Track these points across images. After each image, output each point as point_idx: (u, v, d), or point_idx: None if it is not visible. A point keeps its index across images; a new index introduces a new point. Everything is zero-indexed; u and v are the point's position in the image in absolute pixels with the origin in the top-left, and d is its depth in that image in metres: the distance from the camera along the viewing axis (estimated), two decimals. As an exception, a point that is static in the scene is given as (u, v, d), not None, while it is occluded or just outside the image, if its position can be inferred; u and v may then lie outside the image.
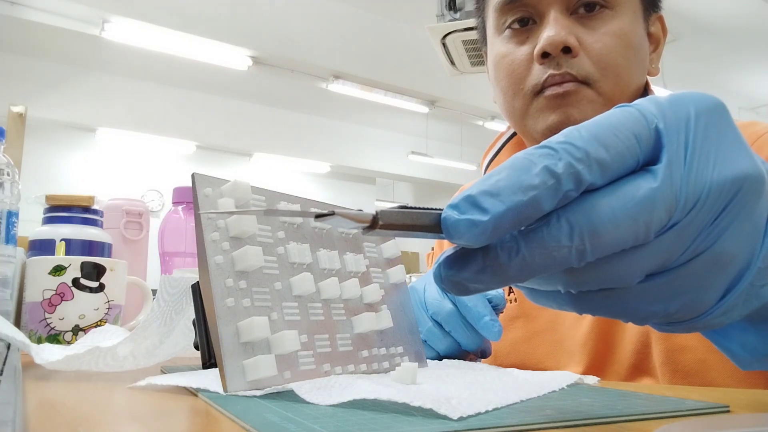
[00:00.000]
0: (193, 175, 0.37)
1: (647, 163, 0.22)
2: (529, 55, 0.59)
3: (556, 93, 0.57)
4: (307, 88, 5.45)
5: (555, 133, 0.54)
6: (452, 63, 2.30)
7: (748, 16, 4.74)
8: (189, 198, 0.86)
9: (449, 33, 2.12)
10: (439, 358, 0.55)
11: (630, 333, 0.57)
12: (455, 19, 2.09)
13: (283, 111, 6.67)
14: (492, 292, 0.50)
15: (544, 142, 0.21)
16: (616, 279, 0.22)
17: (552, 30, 0.56)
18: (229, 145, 6.53)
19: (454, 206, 0.21)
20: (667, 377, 0.55)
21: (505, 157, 0.72)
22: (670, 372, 0.54)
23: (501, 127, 5.97)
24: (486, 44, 0.67)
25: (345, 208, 0.21)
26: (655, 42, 0.65)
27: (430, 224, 0.21)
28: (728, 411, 0.31)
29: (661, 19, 0.65)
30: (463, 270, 0.22)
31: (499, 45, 0.63)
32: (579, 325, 0.60)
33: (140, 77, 5.73)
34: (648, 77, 0.64)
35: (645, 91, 0.64)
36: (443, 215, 0.21)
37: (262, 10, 4.31)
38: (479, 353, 0.52)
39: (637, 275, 0.22)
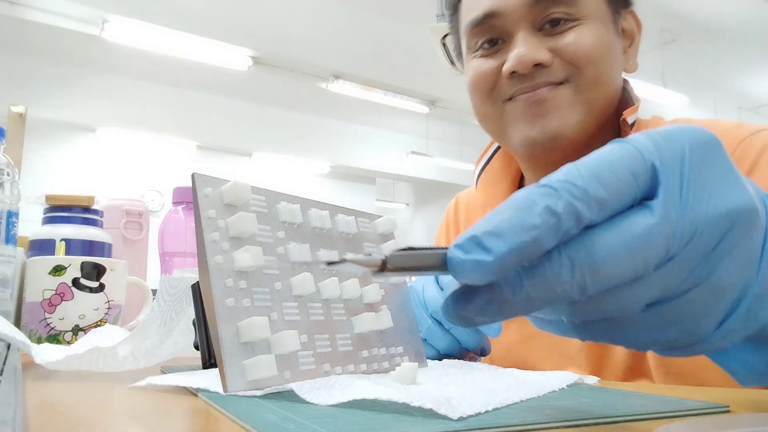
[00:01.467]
0: (193, 175, 0.37)
1: (644, 198, 0.22)
2: (498, 69, 0.60)
3: (530, 101, 0.57)
4: (307, 88, 5.46)
5: (533, 146, 0.54)
6: (452, 63, 2.30)
7: (748, 16, 4.74)
8: (189, 198, 0.86)
9: (449, 33, 2.12)
10: (439, 357, 0.55)
11: None
12: (455, 19, 2.09)
13: (283, 111, 6.67)
14: None
15: (543, 181, 0.22)
16: (617, 310, 0.23)
17: (522, 49, 0.57)
18: (229, 145, 6.54)
19: (459, 246, 0.21)
20: (662, 378, 0.55)
21: (496, 164, 0.73)
22: (663, 374, 0.55)
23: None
24: (463, 63, 0.69)
25: (355, 255, 0.23)
26: (630, 37, 0.65)
27: (437, 264, 0.22)
28: (728, 411, 0.31)
29: (632, 14, 0.65)
30: (469, 305, 0.22)
31: (472, 64, 0.64)
32: None
33: (140, 77, 5.73)
34: (626, 75, 0.65)
35: (624, 90, 0.64)
36: (449, 255, 0.21)
37: (262, 10, 4.31)
38: (479, 351, 0.52)
39: (637, 306, 0.23)
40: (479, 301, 0.22)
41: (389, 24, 4.69)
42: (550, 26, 0.58)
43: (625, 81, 0.65)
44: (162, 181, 5.96)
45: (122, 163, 6.09)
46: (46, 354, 0.42)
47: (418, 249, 0.22)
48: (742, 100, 6.51)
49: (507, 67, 0.58)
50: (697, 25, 4.88)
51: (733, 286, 0.23)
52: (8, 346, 0.50)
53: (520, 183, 0.72)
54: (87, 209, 0.87)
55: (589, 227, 0.21)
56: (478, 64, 0.62)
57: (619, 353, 0.58)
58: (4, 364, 0.43)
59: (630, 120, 0.60)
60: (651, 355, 0.55)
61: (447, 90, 5.24)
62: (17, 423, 0.23)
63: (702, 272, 0.22)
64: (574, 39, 0.57)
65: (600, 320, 0.23)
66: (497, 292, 0.22)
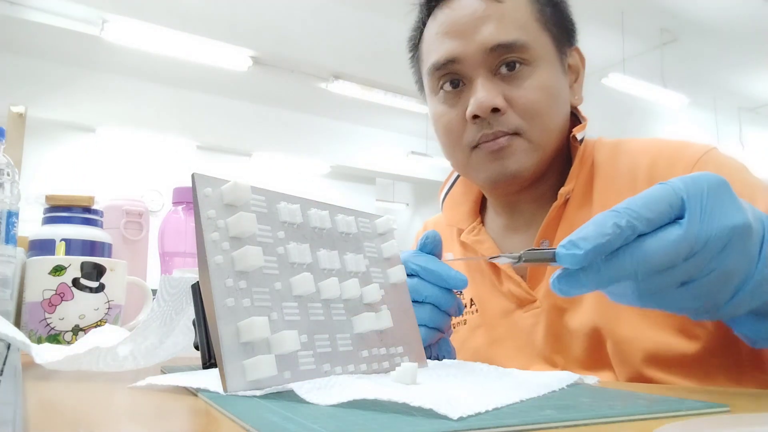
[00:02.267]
0: (193, 175, 0.37)
1: (677, 218, 0.35)
2: (463, 116, 0.66)
3: (491, 149, 0.65)
4: (307, 88, 5.45)
5: (496, 181, 0.67)
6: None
7: (748, 16, 4.74)
8: (189, 198, 0.86)
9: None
10: (438, 358, 0.56)
11: (578, 335, 0.63)
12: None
13: (283, 111, 6.67)
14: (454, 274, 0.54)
15: (614, 207, 0.34)
16: (661, 286, 0.35)
17: (480, 94, 0.63)
18: (229, 145, 6.53)
19: (562, 246, 0.34)
20: (619, 368, 0.60)
21: (458, 189, 0.80)
22: (620, 362, 0.60)
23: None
24: (424, 94, 0.75)
25: (505, 255, 0.39)
26: (575, 72, 0.72)
27: (550, 257, 0.36)
28: (728, 411, 0.31)
29: (577, 51, 0.72)
30: (569, 280, 0.35)
31: (436, 104, 0.70)
32: (536, 331, 0.67)
33: (140, 77, 5.73)
34: (576, 107, 0.72)
35: (573, 120, 0.71)
36: (557, 251, 0.34)
37: (262, 10, 4.31)
38: (455, 311, 0.56)
39: (673, 284, 0.35)
40: (575, 279, 0.34)
41: (389, 24, 4.68)
42: (506, 70, 0.64)
43: (576, 111, 0.72)
44: (162, 181, 5.95)
45: (122, 163, 6.08)
46: (46, 354, 0.42)
47: (537, 250, 0.37)
48: (742, 100, 6.51)
49: (469, 111, 0.64)
50: (697, 25, 4.88)
51: (737, 273, 0.35)
52: (8, 346, 0.50)
53: (482, 203, 0.79)
54: (87, 209, 0.87)
55: (641, 235, 0.34)
56: (444, 111, 0.68)
57: (577, 350, 0.64)
58: (4, 364, 0.43)
59: (579, 137, 0.67)
60: (609, 346, 0.61)
61: (447, 90, 5.23)
62: (17, 423, 0.23)
63: (715, 264, 0.35)
64: (524, 93, 0.64)
65: (652, 293, 0.35)
66: (585, 273, 0.34)
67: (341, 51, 4.75)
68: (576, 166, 0.67)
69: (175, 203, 0.88)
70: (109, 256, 0.88)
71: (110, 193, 1.05)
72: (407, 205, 9.60)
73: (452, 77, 0.67)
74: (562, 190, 0.66)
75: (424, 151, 6.84)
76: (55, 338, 0.64)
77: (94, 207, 0.88)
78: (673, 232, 0.33)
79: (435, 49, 0.67)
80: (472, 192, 0.79)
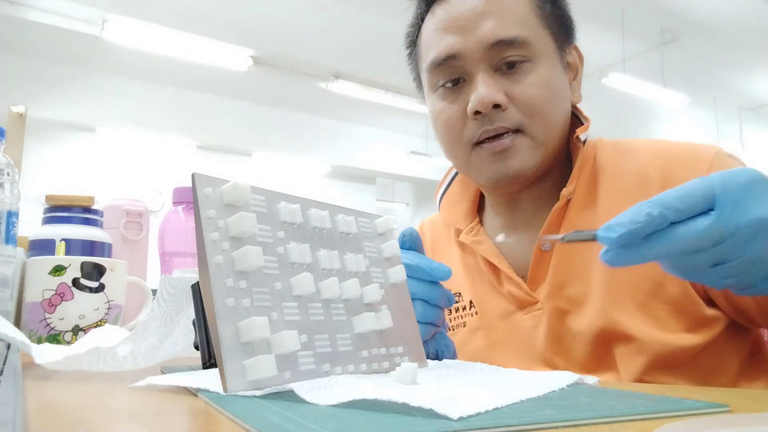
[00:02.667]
0: (193, 175, 0.37)
1: (710, 209, 0.38)
2: (463, 112, 0.65)
3: (495, 150, 0.64)
4: (307, 88, 5.46)
5: (497, 183, 0.68)
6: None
7: (748, 16, 4.74)
8: (189, 198, 0.86)
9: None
10: (437, 353, 0.56)
11: (581, 337, 0.62)
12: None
13: (283, 111, 6.67)
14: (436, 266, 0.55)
15: (650, 199, 0.38)
16: (695, 266, 0.40)
17: (482, 90, 0.62)
18: (229, 145, 6.53)
19: (602, 229, 0.39)
20: (625, 369, 0.60)
21: (455, 188, 0.79)
22: (626, 364, 0.60)
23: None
24: (422, 91, 0.74)
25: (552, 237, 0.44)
26: (574, 70, 0.71)
27: (590, 238, 0.40)
28: (728, 411, 0.31)
29: (575, 49, 0.71)
30: (612, 256, 0.39)
31: (435, 101, 0.69)
32: (536, 333, 0.66)
33: (140, 77, 5.73)
34: (575, 105, 0.71)
35: (573, 121, 0.70)
36: (597, 233, 0.39)
37: (262, 10, 4.31)
38: (445, 302, 0.56)
39: (706, 265, 0.40)
40: (618, 254, 0.39)
41: (389, 24, 4.68)
42: (506, 67, 0.64)
43: (577, 109, 0.71)
44: (162, 181, 5.95)
45: (122, 163, 6.08)
46: (46, 354, 0.42)
47: (580, 232, 0.41)
48: (742, 100, 6.51)
49: (471, 107, 0.63)
50: (697, 25, 4.88)
51: (764, 260, 0.39)
52: (8, 346, 0.50)
53: (480, 203, 0.78)
54: (87, 209, 0.87)
55: (674, 223, 0.38)
56: (444, 108, 0.67)
57: (579, 352, 0.63)
58: (4, 364, 0.43)
59: (582, 137, 0.67)
60: (618, 351, 0.61)
61: (447, 90, 5.24)
62: (17, 423, 0.23)
63: (744, 251, 0.39)
64: (525, 89, 0.63)
65: (688, 270, 0.41)
66: (626, 251, 0.39)
67: (341, 51, 4.75)
68: (578, 166, 0.66)
69: (175, 203, 0.88)
70: (109, 256, 0.88)
71: (110, 193, 1.05)
72: (407, 205, 9.60)
73: (452, 73, 0.66)
74: (564, 191, 0.65)
75: (424, 151, 6.85)
76: (55, 338, 0.64)
77: (94, 207, 0.88)
78: (703, 222, 0.38)
79: (434, 46, 0.66)
80: (469, 191, 0.78)
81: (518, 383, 0.37)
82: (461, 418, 0.26)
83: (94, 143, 5.96)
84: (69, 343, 0.64)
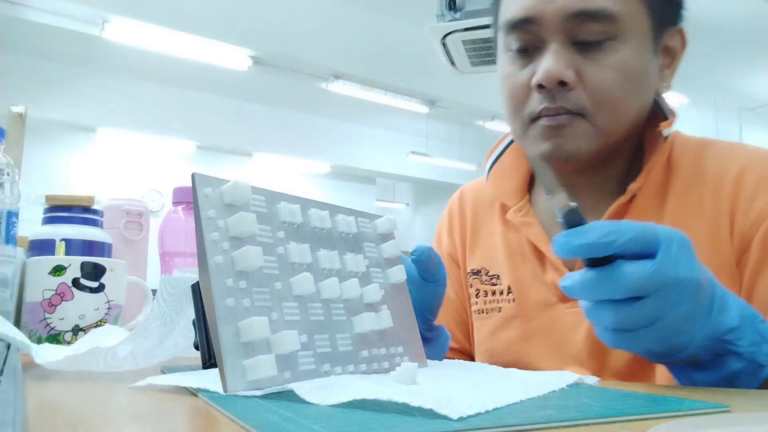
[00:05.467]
0: (193, 175, 0.37)
1: (652, 255, 0.39)
2: (529, 82, 0.60)
3: (549, 125, 0.59)
4: (307, 88, 5.45)
5: (549, 160, 0.60)
6: (452, 63, 2.30)
7: (748, 16, 4.74)
8: (189, 198, 0.86)
9: (449, 33, 2.12)
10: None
11: None
12: (455, 19, 2.09)
13: (283, 111, 6.66)
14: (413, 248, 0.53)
15: (609, 225, 0.39)
16: (633, 321, 0.40)
17: (549, 63, 0.57)
18: (229, 145, 6.53)
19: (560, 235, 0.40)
20: (665, 379, 0.56)
21: (508, 160, 0.73)
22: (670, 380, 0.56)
23: (500, 127, 5.96)
24: (497, 50, 0.69)
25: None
26: (671, 56, 0.64)
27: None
28: (728, 411, 0.31)
29: (680, 32, 0.64)
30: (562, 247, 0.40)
31: (504, 63, 0.64)
32: (576, 330, 0.62)
33: (140, 77, 5.73)
34: (661, 95, 0.64)
35: (655, 110, 0.64)
36: (554, 239, 0.40)
37: (262, 10, 4.30)
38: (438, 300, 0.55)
39: (641, 322, 0.40)
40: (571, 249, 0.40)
41: (389, 24, 4.69)
42: (585, 40, 0.57)
43: (660, 100, 0.65)
44: (162, 181, 5.96)
45: (122, 163, 6.08)
46: (46, 354, 0.42)
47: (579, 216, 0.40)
48: (742, 100, 6.50)
49: (535, 80, 0.58)
50: (696, 25, 4.88)
51: (693, 319, 0.41)
52: (8, 346, 0.50)
53: (531, 179, 0.72)
54: (87, 209, 0.87)
55: (621, 257, 0.39)
56: (511, 73, 0.62)
57: (621, 356, 0.59)
58: (4, 364, 0.43)
59: (665, 133, 0.61)
60: (662, 367, 0.56)
61: (447, 90, 5.23)
62: (17, 423, 0.23)
63: (677, 307, 0.40)
64: (599, 71, 0.57)
65: (625, 331, 0.41)
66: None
67: (341, 51, 4.74)
68: (652, 161, 0.61)
69: (175, 203, 0.88)
70: (109, 256, 0.88)
71: (110, 193, 1.05)
72: (407, 205, 9.59)
73: (526, 38, 0.60)
74: (632, 186, 0.60)
75: (424, 151, 6.84)
76: (55, 338, 0.64)
77: (94, 207, 0.88)
78: (646, 263, 0.39)
79: (513, 4, 0.61)
80: (523, 164, 0.72)
81: (518, 383, 0.37)
82: (461, 418, 0.26)
83: (94, 143, 5.96)
84: (69, 343, 0.64)
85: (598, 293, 0.40)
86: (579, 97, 0.58)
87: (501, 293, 0.69)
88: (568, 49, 0.58)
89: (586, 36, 0.57)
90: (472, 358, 0.75)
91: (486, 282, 0.71)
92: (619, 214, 0.61)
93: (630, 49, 0.58)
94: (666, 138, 0.62)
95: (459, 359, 0.75)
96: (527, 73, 0.60)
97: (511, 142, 0.74)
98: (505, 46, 0.63)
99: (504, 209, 0.71)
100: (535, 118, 0.60)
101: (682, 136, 0.65)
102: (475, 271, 0.73)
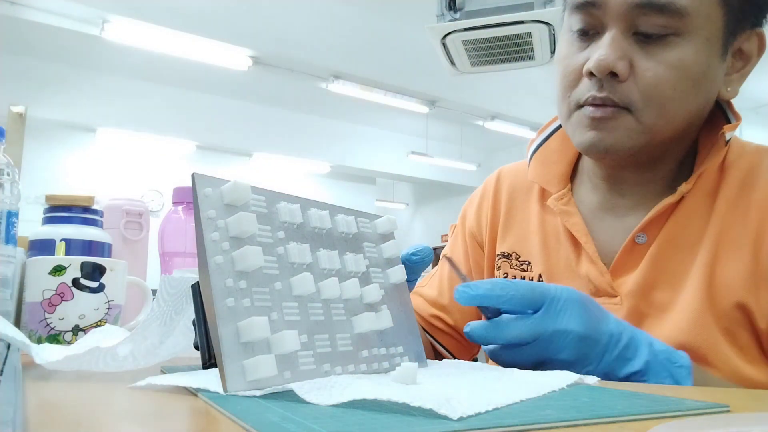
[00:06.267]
0: (193, 175, 0.37)
1: (536, 311, 0.48)
2: (581, 66, 0.59)
3: (593, 115, 0.57)
4: (307, 88, 5.45)
5: (588, 150, 0.63)
6: (452, 63, 2.30)
7: (748, 16, 4.73)
8: (189, 198, 0.86)
9: (449, 33, 2.11)
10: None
11: (660, 336, 0.57)
12: (455, 19, 2.08)
13: (283, 111, 6.66)
14: (412, 251, 0.56)
15: (502, 283, 0.49)
16: (522, 362, 0.49)
17: (604, 51, 0.55)
18: (229, 145, 6.53)
19: (461, 286, 0.49)
20: None
21: (554, 144, 0.72)
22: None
23: (501, 126, 5.95)
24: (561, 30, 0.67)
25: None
26: (744, 60, 0.61)
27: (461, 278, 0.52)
28: (728, 411, 0.31)
29: (759, 35, 0.60)
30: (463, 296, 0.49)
31: (563, 44, 0.62)
32: None
33: (140, 77, 5.73)
34: (726, 100, 0.62)
35: (718, 114, 0.62)
36: (456, 289, 0.49)
37: (262, 10, 4.30)
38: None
39: (529, 361, 0.49)
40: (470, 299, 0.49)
41: (389, 24, 4.69)
42: (646, 32, 0.55)
43: (729, 105, 0.63)
44: (162, 181, 5.96)
45: (122, 163, 6.08)
46: (46, 354, 0.42)
47: (459, 272, 0.53)
48: (742, 101, 6.48)
49: (586, 67, 0.57)
50: (697, 25, 4.88)
51: (579, 364, 0.48)
52: (8, 346, 0.50)
53: (575, 167, 0.71)
54: (87, 209, 0.87)
55: (505, 313, 0.49)
56: (567, 55, 0.61)
57: None
58: (4, 364, 0.43)
59: (727, 137, 0.59)
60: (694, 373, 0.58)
61: (447, 90, 5.23)
62: (17, 423, 0.23)
63: (559, 353, 0.48)
64: (653, 66, 0.55)
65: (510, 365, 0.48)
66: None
67: (341, 51, 4.74)
68: (707, 163, 0.59)
69: (175, 203, 0.88)
70: (109, 256, 0.88)
71: (110, 193, 1.05)
72: (407, 205, 9.59)
73: (588, 21, 0.58)
74: (683, 187, 0.59)
75: (424, 151, 6.84)
76: (55, 338, 0.64)
77: (94, 207, 0.88)
78: (527, 319, 0.47)
79: None
80: (569, 151, 0.70)
81: (518, 383, 0.37)
82: (461, 418, 0.26)
83: (94, 143, 5.96)
84: (69, 343, 0.64)
85: (489, 338, 0.48)
86: (629, 91, 0.56)
87: (530, 281, 0.69)
88: (627, 38, 0.56)
89: (647, 28, 0.55)
90: (464, 339, 0.75)
91: (515, 267, 0.70)
92: (666, 213, 0.60)
93: (693, 47, 0.55)
94: (728, 142, 0.60)
95: (447, 341, 0.75)
96: (582, 58, 0.59)
97: (559, 126, 0.72)
98: (567, 26, 0.61)
99: (543, 195, 0.70)
100: (581, 105, 0.59)
101: (739, 141, 0.64)
102: (506, 254, 0.72)
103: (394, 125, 7.22)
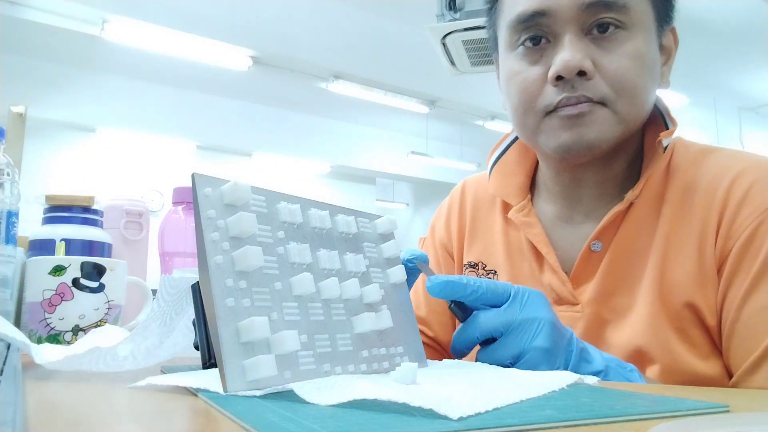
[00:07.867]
0: (193, 175, 0.37)
1: (503, 303, 0.49)
2: (543, 76, 0.60)
3: (570, 114, 0.58)
4: (307, 88, 5.45)
5: (569, 150, 0.62)
6: (452, 63, 2.30)
7: (748, 16, 4.73)
8: (189, 198, 0.86)
9: (449, 33, 2.12)
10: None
11: (617, 351, 0.59)
12: (455, 19, 2.09)
13: (283, 111, 6.66)
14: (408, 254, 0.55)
15: (467, 282, 0.49)
16: (500, 359, 0.48)
17: (568, 53, 0.57)
18: (229, 145, 6.53)
19: (430, 279, 0.50)
20: (660, 379, 0.58)
21: (512, 156, 0.73)
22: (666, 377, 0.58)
23: (501, 126, 5.96)
24: (497, 52, 0.68)
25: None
26: (667, 53, 0.65)
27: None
28: (728, 411, 0.31)
29: (673, 31, 0.65)
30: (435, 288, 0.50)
31: (512, 61, 0.63)
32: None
33: (140, 77, 5.73)
34: (664, 105, 0.65)
35: (659, 120, 0.65)
36: (429, 278, 0.50)
37: (262, 10, 4.31)
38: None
39: (507, 357, 0.48)
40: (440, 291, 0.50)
41: (389, 24, 4.69)
42: (598, 31, 0.58)
43: (659, 102, 0.65)
44: (162, 181, 5.96)
45: (122, 163, 6.08)
46: (46, 354, 0.42)
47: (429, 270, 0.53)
48: (742, 100, 6.50)
49: (553, 72, 0.58)
50: (697, 24, 4.88)
51: (552, 352, 0.48)
52: (8, 346, 0.50)
53: (533, 178, 0.72)
54: (87, 209, 0.87)
55: (479, 308, 0.50)
56: (522, 69, 0.61)
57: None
58: (4, 364, 0.43)
59: (665, 142, 0.61)
60: (655, 373, 0.58)
61: (447, 90, 5.23)
62: (17, 423, 0.23)
63: (532, 341, 0.47)
64: (615, 59, 0.57)
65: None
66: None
67: (341, 51, 4.75)
68: (650, 170, 0.61)
69: (175, 203, 0.88)
70: (109, 256, 0.88)
71: (110, 193, 1.05)
72: (407, 205, 9.59)
73: (536, 32, 0.60)
74: (630, 195, 0.60)
75: (424, 151, 6.84)
76: (55, 338, 0.64)
77: (94, 207, 0.88)
78: (497, 311, 0.48)
79: (519, 1, 0.60)
80: (527, 162, 0.72)
81: (518, 383, 0.37)
82: (461, 418, 0.26)
83: (94, 143, 5.96)
84: (69, 343, 0.64)
85: (466, 338, 0.49)
86: (599, 86, 0.58)
87: None
88: (582, 40, 0.58)
89: (598, 26, 0.58)
90: (445, 350, 0.76)
91: (482, 276, 0.72)
92: (617, 221, 0.62)
93: (642, 38, 0.59)
94: (665, 148, 0.62)
95: (429, 353, 0.75)
96: (540, 68, 0.60)
97: (515, 139, 0.74)
98: (512, 43, 0.62)
99: (505, 207, 0.72)
100: (551, 111, 0.60)
101: (684, 143, 0.65)
102: (473, 263, 0.74)
103: (394, 125, 7.22)
